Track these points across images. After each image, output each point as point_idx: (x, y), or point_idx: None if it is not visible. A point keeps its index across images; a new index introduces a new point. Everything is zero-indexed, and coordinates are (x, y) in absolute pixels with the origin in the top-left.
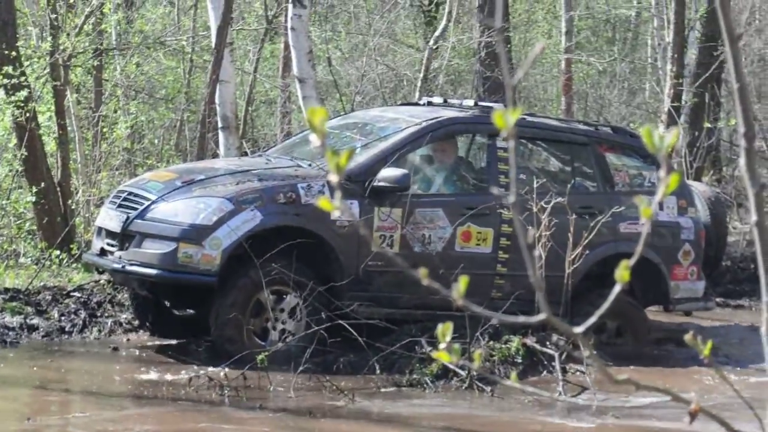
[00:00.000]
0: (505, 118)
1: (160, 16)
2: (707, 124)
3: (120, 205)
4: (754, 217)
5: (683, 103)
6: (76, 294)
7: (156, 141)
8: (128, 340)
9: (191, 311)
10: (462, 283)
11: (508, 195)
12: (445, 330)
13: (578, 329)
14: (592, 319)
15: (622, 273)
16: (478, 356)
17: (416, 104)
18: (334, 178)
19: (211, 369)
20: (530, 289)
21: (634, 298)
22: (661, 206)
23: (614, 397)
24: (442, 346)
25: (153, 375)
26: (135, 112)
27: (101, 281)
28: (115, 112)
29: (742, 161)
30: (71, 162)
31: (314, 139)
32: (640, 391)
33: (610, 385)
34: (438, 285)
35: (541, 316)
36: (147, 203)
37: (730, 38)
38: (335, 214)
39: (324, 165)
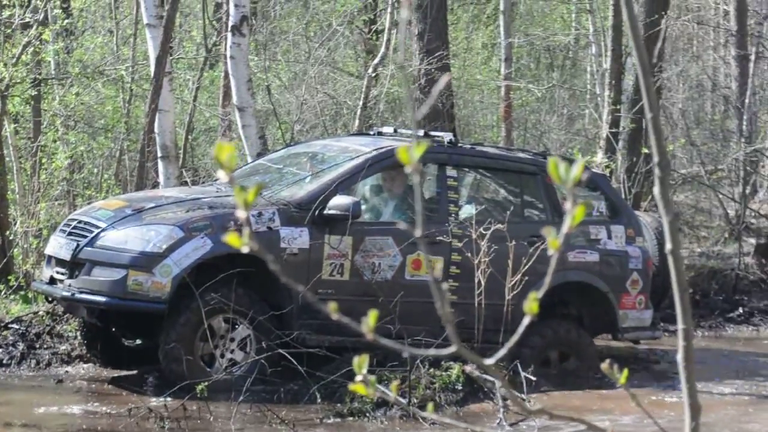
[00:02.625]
0: (410, 153)
1: (99, 45)
2: (645, 150)
3: (70, 233)
4: (668, 245)
5: (621, 129)
6: (14, 326)
7: (96, 171)
8: (66, 372)
9: (141, 341)
10: (371, 317)
11: (415, 229)
12: (361, 362)
13: (489, 360)
14: (503, 351)
15: (531, 305)
16: (394, 387)
17: (366, 134)
18: (242, 213)
19: (153, 400)
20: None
21: (583, 326)
22: (609, 235)
23: (553, 425)
24: (358, 378)
25: (94, 407)
26: (74, 142)
27: (40, 312)
28: (54, 142)
29: (656, 190)
30: (9, 192)
31: (222, 175)
32: (555, 420)
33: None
34: (348, 319)
35: (452, 348)
36: (97, 231)
37: (643, 69)
38: (284, 242)
39: (273, 194)
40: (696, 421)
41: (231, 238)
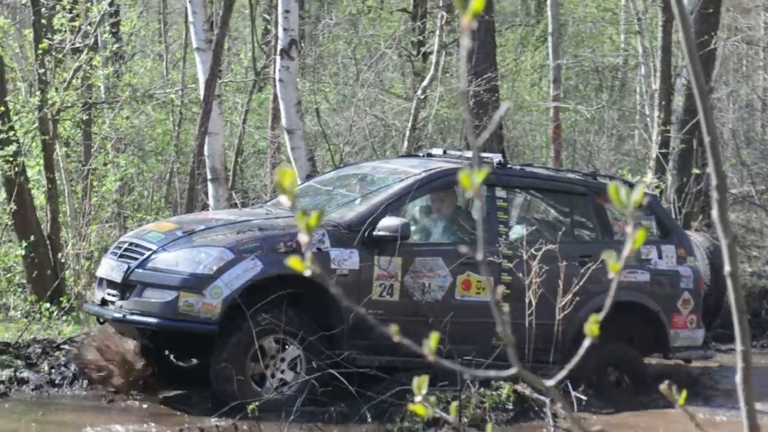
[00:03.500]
0: (471, 178)
1: (149, 69)
2: (696, 170)
3: (121, 256)
4: (727, 268)
5: (671, 149)
6: (66, 347)
7: (146, 193)
8: (117, 392)
9: (194, 361)
10: (433, 340)
11: (477, 252)
12: (420, 383)
13: (549, 382)
14: (563, 372)
15: (591, 327)
16: (454, 409)
17: (415, 155)
18: (304, 238)
19: (204, 420)
20: (527, 337)
21: (634, 346)
22: (660, 255)
23: None
24: (417, 398)
25: (144, 427)
26: (124, 165)
27: (92, 333)
28: (105, 165)
29: (714, 212)
30: (61, 215)
31: (284, 200)
32: None
33: None
34: (408, 341)
35: (512, 370)
36: (148, 253)
37: (701, 92)
38: (334, 264)
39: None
40: None
41: (293, 262)
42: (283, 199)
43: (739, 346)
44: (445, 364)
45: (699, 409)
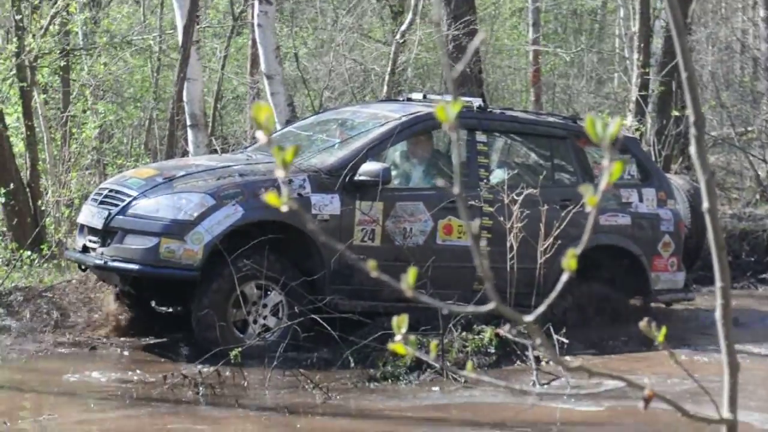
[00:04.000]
0: (447, 111)
1: (127, 15)
2: (675, 112)
3: (101, 202)
4: (706, 204)
5: (651, 91)
6: (48, 294)
7: (125, 140)
8: (100, 339)
9: (177, 308)
10: (411, 275)
11: (453, 187)
12: (400, 322)
13: (528, 317)
14: (542, 308)
15: (569, 261)
16: (434, 347)
17: (395, 100)
18: (280, 173)
19: (187, 366)
20: (509, 280)
21: (615, 288)
22: (640, 198)
23: (587, 384)
24: (397, 338)
25: (128, 374)
26: (103, 112)
27: (73, 281)
28: (84, 112)
29: (692, 149)
30: (40, 163)
31: (260, 136)
32: (593, 377)
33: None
34: (387, 277)
35: (490, 305)
36: (128, 200)
37: (678, 30)
38: (315, 209)
39: (303, 161)
40: (734, 378)
41: (270, 198)
42: (259, 135)
43: (718, 282)
44: (424, 299)
45: (680, 351)
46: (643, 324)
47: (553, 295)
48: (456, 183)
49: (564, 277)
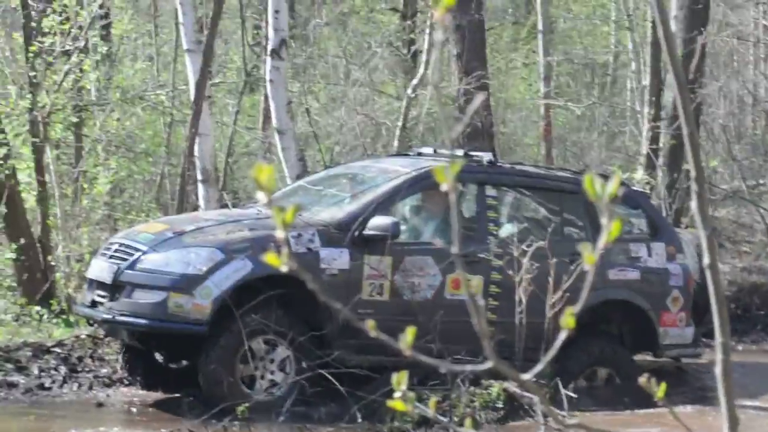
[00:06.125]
0: (446, 172)
1: (139, 71)
2: (686, 166)
3: (111, 257)
4: (706, 260)
5: (661, 145)
6: (57, 350)
7: (136, 195)
8: (108, 395)
9: (184, 363)
10: (409, 334)
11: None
12: (400, 379)
13: (526, 375)
14: (540, 365)
15: (567, 320)
16: (433, 404)
17: (406, 155)
18: (280, 234)
19: (194, 422)
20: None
21: (623, 344)
22: (650, 253)
23: None
24: (397, 394)
25: (135, 430)
26: (115, 167)
27: (82, 336)
28: (95, 167)
29: (693, 205)
30: (51, 218)
31: (261, 196)
32: None
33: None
34: (385, 336)
35: (489, 364)
36: (138, 254)
37: (679, 85)
38: (324, 263)
39: (312, 215)
40: None
41: (270, 258)
42: (260, 195)
43: (718, 337)
44: (422, 359)
45: (688, 407)
46: (642, 380)
47: (552, 352)
48: (454, 241)
49: (562, 335)
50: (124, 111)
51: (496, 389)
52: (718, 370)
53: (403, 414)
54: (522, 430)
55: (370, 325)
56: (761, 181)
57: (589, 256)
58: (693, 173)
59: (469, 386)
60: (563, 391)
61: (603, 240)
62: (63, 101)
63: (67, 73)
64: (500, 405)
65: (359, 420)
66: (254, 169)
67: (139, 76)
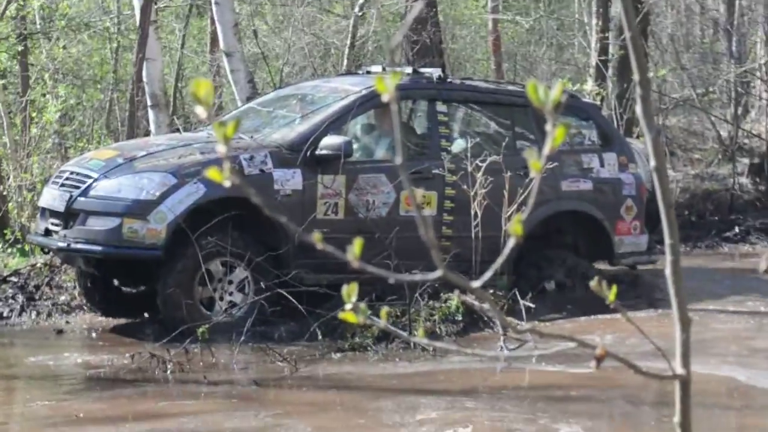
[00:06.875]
0: (386, 82)
1: None
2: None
3: (63, 185)
4: (653, 162)
5: (610, 56)
6: (13, 279)
7: (86, 122)
8: (67, 322)
9: (142, 287)
10: (356, 246)
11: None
12: (350, 291)
13: (475, 283)
14: (489, 273)
15: (515, 227)
16: (384, 314)
17: (355, 74)
18: (222, 148)
19: (155, 345)
20: (474, 248)
21: (579, 254)
22: (602, 163)
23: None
24: (347, 306)
25: (95, 355)
26: (64, 95)
27: (37, 264)
28: (44, 95)
29: (638, 108)
30: (1, 148)
31: (200, 111)
32: (545, 339)
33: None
34: (332, 249)
35: (437, 273)
36: (90, 181)
37: None
38: (278, 184)
39: (264, 137)
40: (686, 333)
41: (212, 173)
42: (199, 110)
43: (667, 239)
44: (372, 270)
45: (643, 312)
46: (593, 284)
47: (500, 260)
48: (397, 153)
49: (511, 242)
50: (70, 38)
51: (454, 302)
52: (668, 271)
53: (363, 330)
54: (482, 340)
55: (316, 238)
56: (711, 89)
57: (534, 163)
58: (636, 77)
59: (428, 300)
60: (521, 301)
61: (548, 146)
62: (7, 30)
63: (9, 2)
64: (459, 318)
65: (320, 338)
66: (192, 84)
67: (85, 3)
